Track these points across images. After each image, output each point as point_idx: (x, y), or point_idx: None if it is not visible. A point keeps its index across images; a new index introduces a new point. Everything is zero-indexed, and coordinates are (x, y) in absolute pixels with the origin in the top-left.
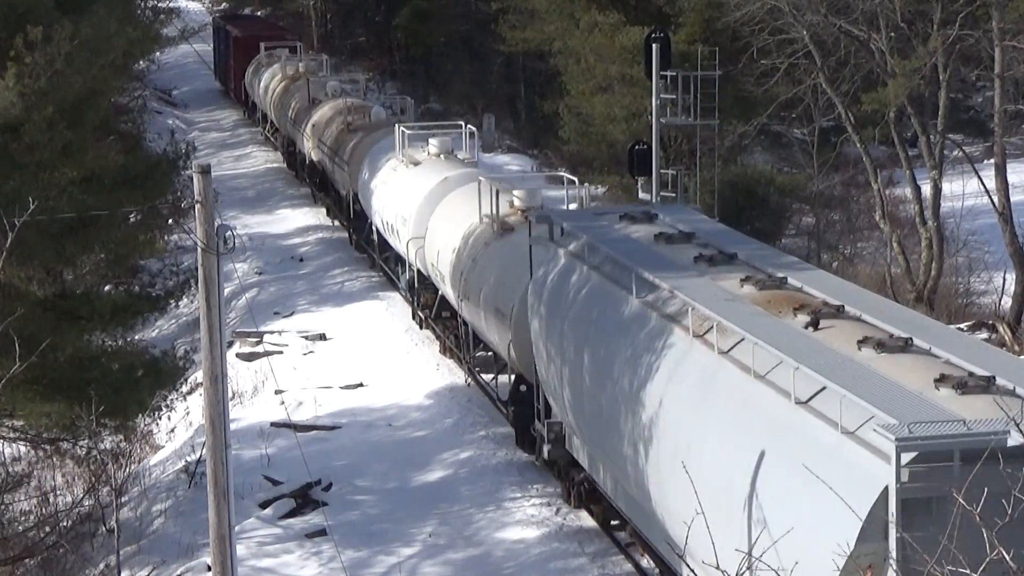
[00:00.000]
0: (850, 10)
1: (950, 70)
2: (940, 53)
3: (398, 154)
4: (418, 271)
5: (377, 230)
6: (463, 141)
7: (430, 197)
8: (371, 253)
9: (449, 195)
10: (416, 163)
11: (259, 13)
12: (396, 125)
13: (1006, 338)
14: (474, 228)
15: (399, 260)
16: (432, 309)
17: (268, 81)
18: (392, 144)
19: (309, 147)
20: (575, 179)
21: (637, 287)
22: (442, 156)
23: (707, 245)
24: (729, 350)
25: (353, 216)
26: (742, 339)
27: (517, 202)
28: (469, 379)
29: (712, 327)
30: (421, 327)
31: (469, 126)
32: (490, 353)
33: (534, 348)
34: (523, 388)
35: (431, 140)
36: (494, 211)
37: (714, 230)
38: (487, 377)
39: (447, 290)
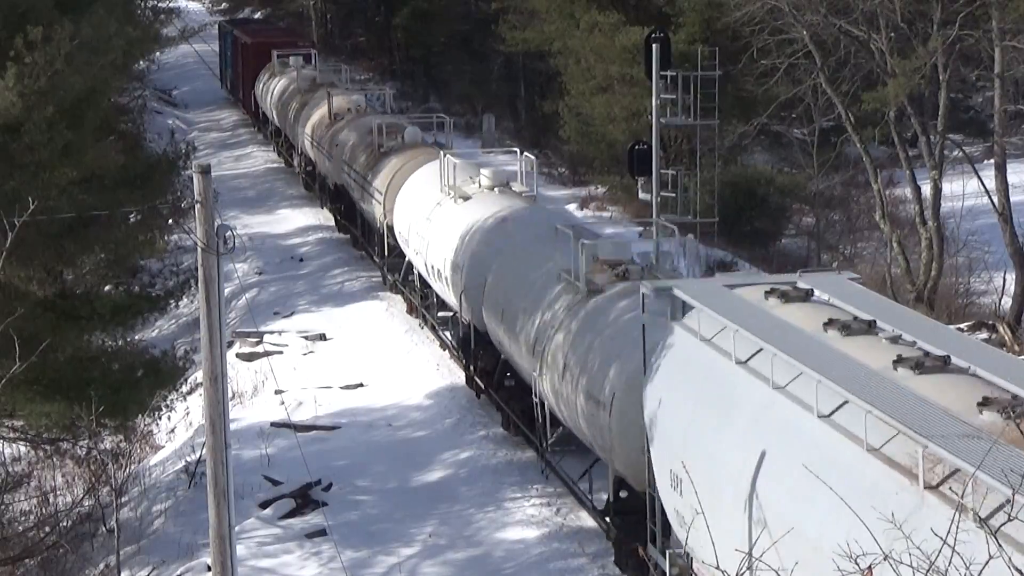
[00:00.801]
0: (850, 10)
1: (950, 70)
2: (940, 53)
3: (443, 185)
4: (473, 328)
5: (419, 273)
6: (519, 173)
7: (487, 240)
8: (410, 299)
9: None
10: (466, 197)
11: (258, 14)
12: (441, 154)
13: (1006, 338)
14: (551, 287)
15: (442, 307)
16: (493, 375)
17: (281, 93)
18: (433, 171)
19: (331, 169)
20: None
21: (821, 404)
22: (496, 189)
23: (898, 338)
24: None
25: (387, 252)
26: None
27: (603, 255)
28: (550, 472)
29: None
30: (479, 396)
31: (525, 154)
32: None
33: (654, 456)
34: (624, 494)
35: (483, 171)
36: (580, 267)
37: (895, 312)
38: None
39: (519, 362)
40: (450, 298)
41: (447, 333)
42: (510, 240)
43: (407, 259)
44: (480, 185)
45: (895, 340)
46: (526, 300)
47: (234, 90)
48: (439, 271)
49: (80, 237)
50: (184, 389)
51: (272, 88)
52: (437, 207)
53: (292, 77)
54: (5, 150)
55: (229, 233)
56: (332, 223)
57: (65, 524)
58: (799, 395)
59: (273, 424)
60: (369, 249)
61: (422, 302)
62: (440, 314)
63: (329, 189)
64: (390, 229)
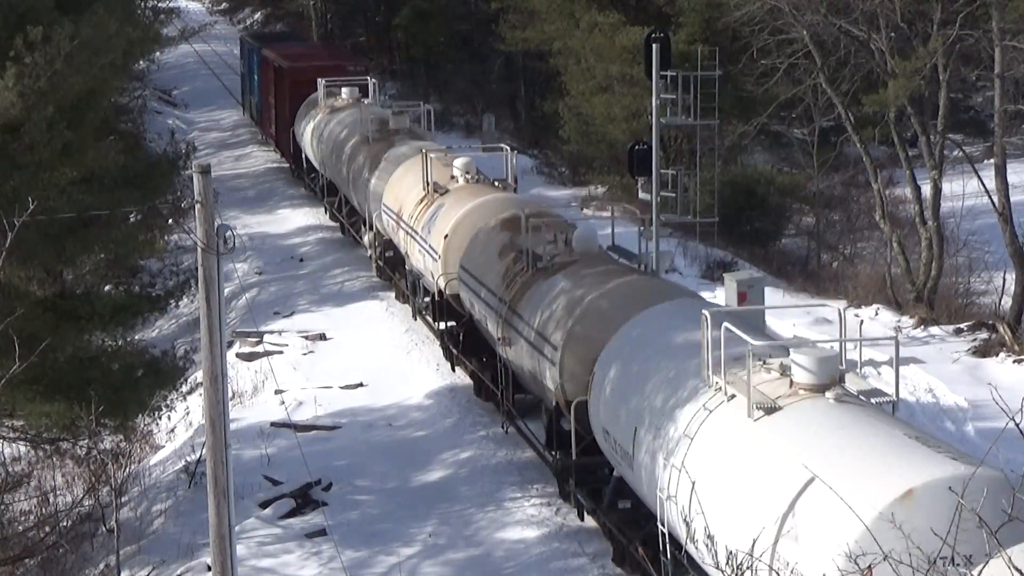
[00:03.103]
0: (850, 10)
1: (950, 70)
2: (940, 53)
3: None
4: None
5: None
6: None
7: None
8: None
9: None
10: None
11: (258, 14)
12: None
13: (1006, 338)
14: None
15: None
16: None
17: (336, 140)
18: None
19: (470, 304)
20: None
21: None
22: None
23: None
24: None
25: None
26: None
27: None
28: None
29: None
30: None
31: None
32: None
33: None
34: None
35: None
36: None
37: None
38: None
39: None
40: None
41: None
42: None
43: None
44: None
45: None
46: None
47: (262, 123)
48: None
49: (80, 237)
50: (184, 389)
51: (321, 130)
52: None
53: (351, 117)
54: (5, 150)
55: (229, 233)
56: (331, 222)
57: (65, 524)
58: None
59: (273, 424)
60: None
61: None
62: None
63: (437, 300)
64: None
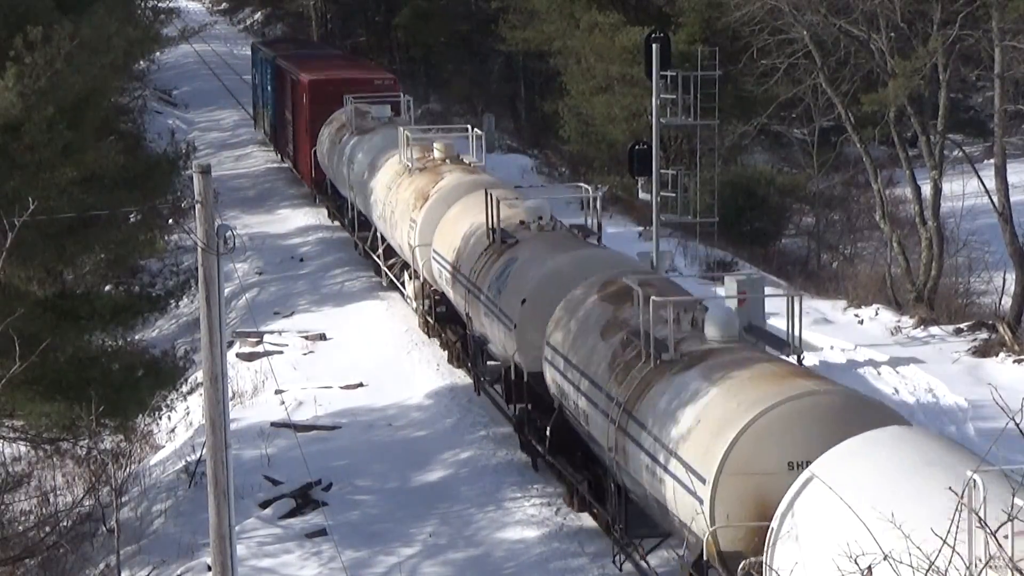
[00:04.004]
0: (850, 10)
1: (950, 70)
2: (940, 53)
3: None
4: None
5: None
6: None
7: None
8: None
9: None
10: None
11: (258, 14)
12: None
13: (1006, 338)
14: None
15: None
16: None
17: (367, 167)
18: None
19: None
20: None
21: None
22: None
23: None
24: None
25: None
26: None
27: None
28: None
29: None
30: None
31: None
32: None
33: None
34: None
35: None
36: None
37: None
38: None
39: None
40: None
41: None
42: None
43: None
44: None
45: None
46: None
47: (278, 141)
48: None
49: (80, 237)
50: (184, 389)
51: (349, 155)
52: None
53: (385, 141)
54: (5, 150)
55: (229, 233)
56: (332, 222)
57: (65, 524)
58: None
59: (273, 424)
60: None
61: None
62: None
63: (512, 378)
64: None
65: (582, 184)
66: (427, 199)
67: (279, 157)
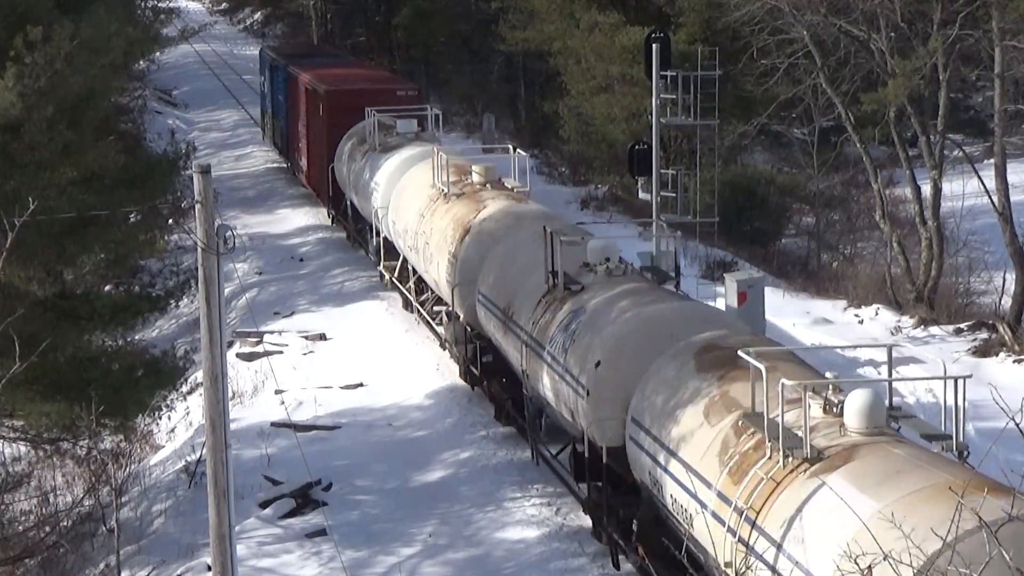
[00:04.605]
0: (850, 10)
1: (950, 70)
2: (940, 53)
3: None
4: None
5: None
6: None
7: None
8: None
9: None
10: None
11: (258, 14)
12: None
13: (1006, 338)
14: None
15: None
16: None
17: (391, 190)
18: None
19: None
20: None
21: None
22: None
23: None
24: None
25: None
26: None
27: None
28: None
29: None
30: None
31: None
32: None
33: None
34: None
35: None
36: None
37: None
38: None
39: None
40: None
41: None
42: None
43: None
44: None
45: None
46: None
47: (289, 154)
48: None
49: (80, 237)
50: (184, 389)
51: (369, 174)
52: None
53: (412, 159)
54: (5, 150)
55: (229, 233)
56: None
57: (65, 524)
58: None
59: (273, 424)
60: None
61: None
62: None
63: (584, 454)
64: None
65: (656, 220)
66: (468, 231)
67: (291, 171)
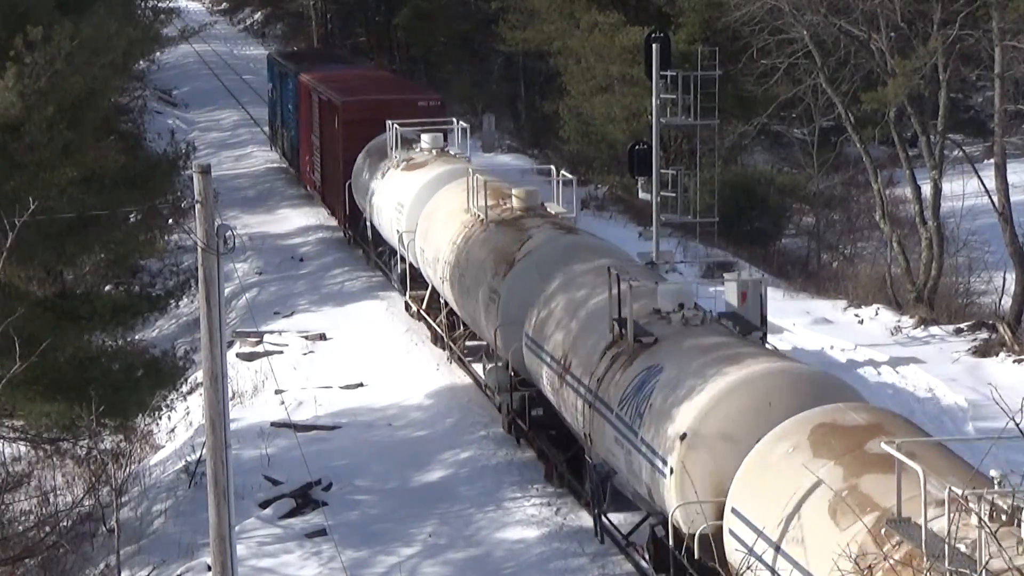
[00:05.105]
0: (850, 10)
1: (950, 70)
2: (940, 53)
3: None
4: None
5: None
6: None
7: None
8: None
9: None
10: None
11: (258, 14)
12: None
13: (1006, 338)
14: None
15: None
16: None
17: (417, 213)
18: None
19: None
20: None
21: None
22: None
23: None
24: None
25: None
26: None
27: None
28: None
29: None
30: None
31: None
32: None
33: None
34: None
35: None
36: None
37: None
38: None
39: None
40: None
41: None
42: None
43: None
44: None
45: None
46: None
47: (301, 167)
48: None
49: (80, 237)
50: (184, 389)
51: (391, 194)
52: None
53: (440, 178)
54: (5, 150)
55: (229, 233)
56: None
57: (65, 524)
58: None
59: (273, 424)
60: None
61: None
62: None
63: (668, 542)
64: None
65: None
66: (512, 264)
67: (304, 186)
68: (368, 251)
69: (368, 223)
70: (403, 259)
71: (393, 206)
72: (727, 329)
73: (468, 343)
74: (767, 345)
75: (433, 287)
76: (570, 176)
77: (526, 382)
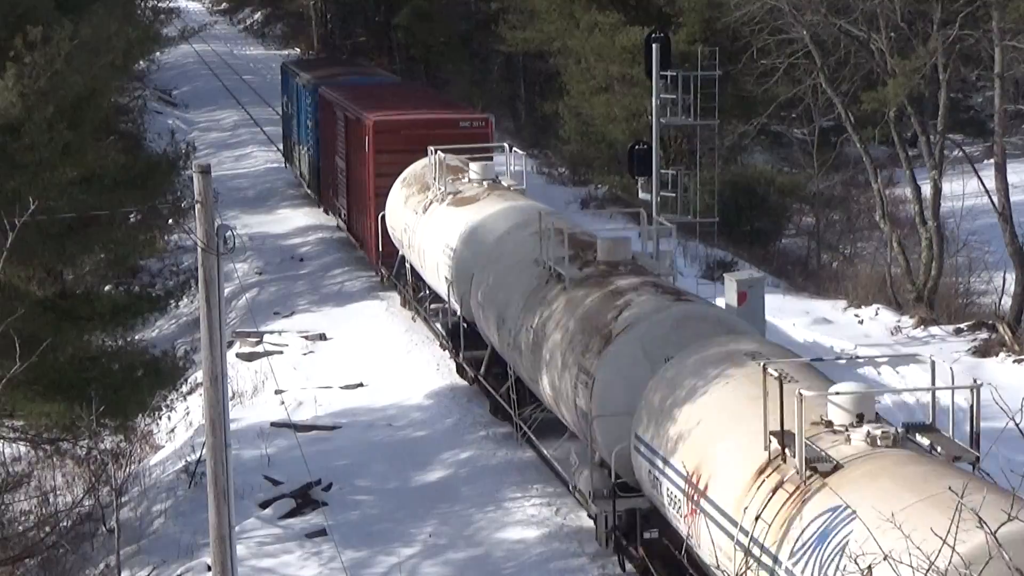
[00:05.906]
0: (850, 10)
1: (950, 70)
2: (940, 53)
3: None
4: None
5: None
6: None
7: None
8: None
9: None
10: None
11: (258, 14)
12: None
13: (1006, 338)
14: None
15: None
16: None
17: (472, 263)
18: None
19: None
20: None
21: None
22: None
23: None
24: None
25: None
26: None
27: None
28: None
29: None
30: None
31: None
32: None
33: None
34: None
35: None
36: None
37: None
38: None
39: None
40: None
41: None
42: None
43: None
44: None
45: None
46: None
47: (322, 191)
48: None
49: (80, 237)
50: (184, 389)
51: (437, 235)
52: None
53: (499, 218)
54: (5, 150)
55: (229, 233)
56: (329, 221)
57: (65, 524)
58: None
59: (273, 424)
60: None
61: None
62: None
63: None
64: None
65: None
66: (609, 340)
67: (325, 211)
68: (407, 295)
69: (408, 264)
70: (453, 312)
71: (439, 248)
72: (932, 455)
73: (541, 414)
74: (982, 473)
75: (493, 348)
76: (669, 224)
77: (627, 486)
